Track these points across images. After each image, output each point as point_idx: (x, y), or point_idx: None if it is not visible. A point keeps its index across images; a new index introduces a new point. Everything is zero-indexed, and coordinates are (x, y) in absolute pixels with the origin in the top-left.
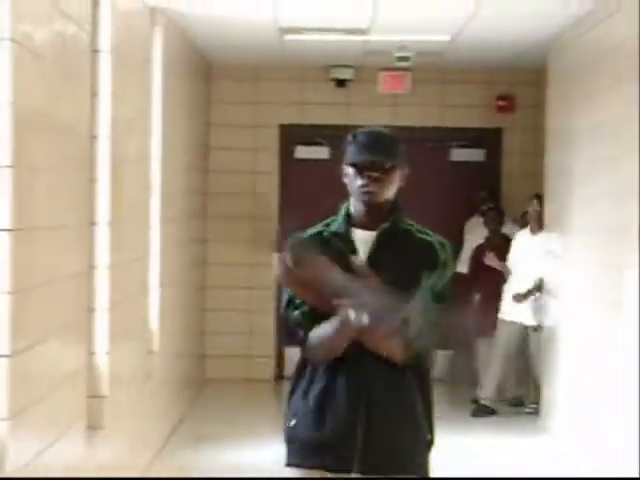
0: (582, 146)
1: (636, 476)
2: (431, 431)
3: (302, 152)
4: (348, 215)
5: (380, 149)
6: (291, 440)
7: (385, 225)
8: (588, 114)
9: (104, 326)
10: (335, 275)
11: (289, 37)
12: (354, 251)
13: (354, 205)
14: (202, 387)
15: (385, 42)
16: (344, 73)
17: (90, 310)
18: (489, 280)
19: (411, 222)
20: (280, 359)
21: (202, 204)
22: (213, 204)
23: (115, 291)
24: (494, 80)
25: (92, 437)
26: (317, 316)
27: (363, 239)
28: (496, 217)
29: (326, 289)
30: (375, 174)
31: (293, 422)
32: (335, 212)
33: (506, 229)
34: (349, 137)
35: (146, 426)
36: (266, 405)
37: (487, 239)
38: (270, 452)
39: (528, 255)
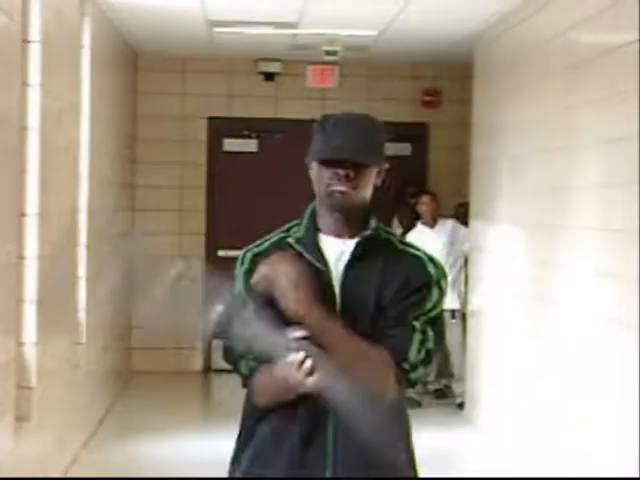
0: (507, 141)
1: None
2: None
3: (231, 145)
4: (314, 220)
5: (356, 143)
6: None
7: (366, 233)
8: (514, 109)
9: (32, 317)
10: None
11: (218, 29)
12: (324, 264)
13: (322, 208)
14: (130, 379)
15: (313, 36)
16: (272, 66)
17: (19, 301)
18: None
19: (390, 230)
20: (208, 351)
21: (130, 196)
22: (141, 196)
23: (44, 282)
24: (421, 74)
25: (20, 428)
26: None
27: (334, 250)
28: (409, 214)
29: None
30: (349, 172)
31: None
32: (267, 207)
33: (440, 225)
34: (316, 124)
35: (74, 417)
36: (194, 397)
37: (401, 235)
38: (196, 444)
39: (428, 246)
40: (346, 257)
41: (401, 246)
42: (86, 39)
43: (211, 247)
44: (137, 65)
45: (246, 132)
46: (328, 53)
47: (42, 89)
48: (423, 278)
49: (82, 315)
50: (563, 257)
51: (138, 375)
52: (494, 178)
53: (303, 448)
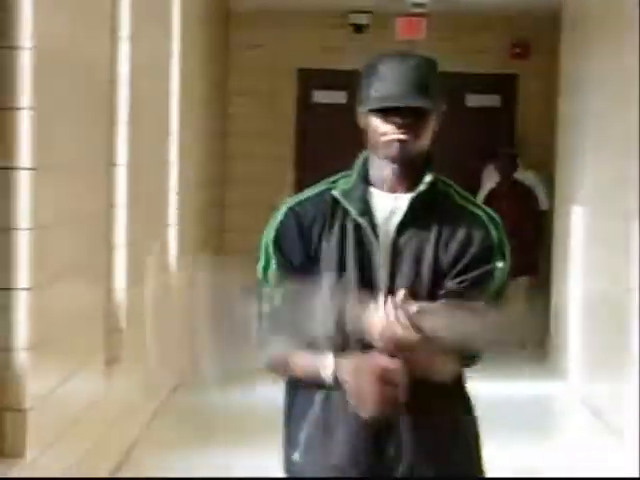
0: (593, 93)
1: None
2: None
3: (320, 97)
4: (365, 172)
5: (413, 86)
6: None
7: (422, 188)
8: (601, 62)
9: (122, 263)
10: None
11: None
12: (372, 222)
13: (375, 159)
14: None
15: None
16: (362, 18)
17: (110, 247)
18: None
19: (448, 182)
20: None
21: (221, 146)
22: (233, 145)
23: (133, 230)
24: (509, 26)
25: (110, 370)
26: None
27: (386, 206)
28: (508, 162)
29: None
30: (407, 120)
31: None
32: (349, 166)
33: (519, 175)
34: (366, 68)
35: (162, 363)
36: None
37: (498, 184)
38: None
39: None
40: (398, 216)
41: (460, 201)
42: None
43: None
44: (229, 19)
45: (336, 84)
46: (416, 5)
47: (132, 41)
48: (484, 244)
49: (173, 260)
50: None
51: None
52: (578, 130)
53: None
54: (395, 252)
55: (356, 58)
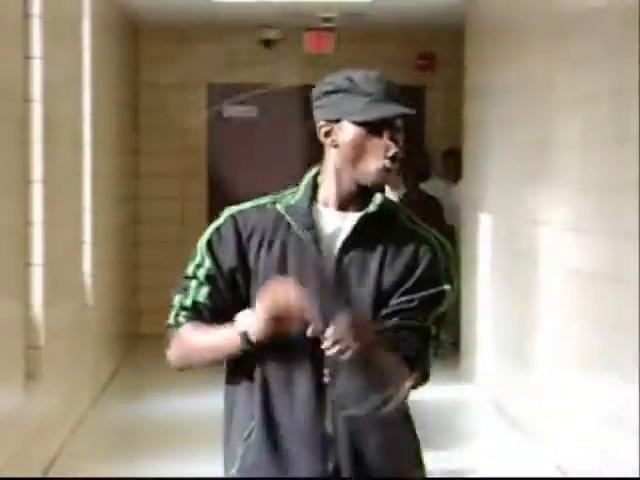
0: (497, 102)
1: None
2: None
3: (230, 111)
4: (313, 188)
5: (400, 99)
6: None
7: (371, 208)
8: (503, 71)
9: (39, 280)
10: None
11: None
12: (315, 238)
13: (337, 177)
14: (137, 341)
15: (309, 3)
16: (270, 33)
17: (26, 265)
18: None
19: (397, 204)
20: None
21: (134, 163)
22: (144, 163)
23: (50, 246)
24: (415, 38)
25: (29, 387)
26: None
27: (331, 224)
28: (414, 173)
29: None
30: (401, 135)
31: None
32: (267, 172)
33: (427, 185)
34: (343, 81)
35: (81, 377)
36: None
37: (404, 194)
38: (203, 403)
39: None
40: (344, 234)
41: (409, 223)
42: (86, 10)
43: (212, 212)
44: (138, 34)
45: (245, 98)
46: (324, 20)
47: (43, 61)
48: (431, 266)
49: (88, 278)
50: (546, 214)
51: (146, 337)
52: (483, 138)
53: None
54: (338, 269)
55: (266, 72)
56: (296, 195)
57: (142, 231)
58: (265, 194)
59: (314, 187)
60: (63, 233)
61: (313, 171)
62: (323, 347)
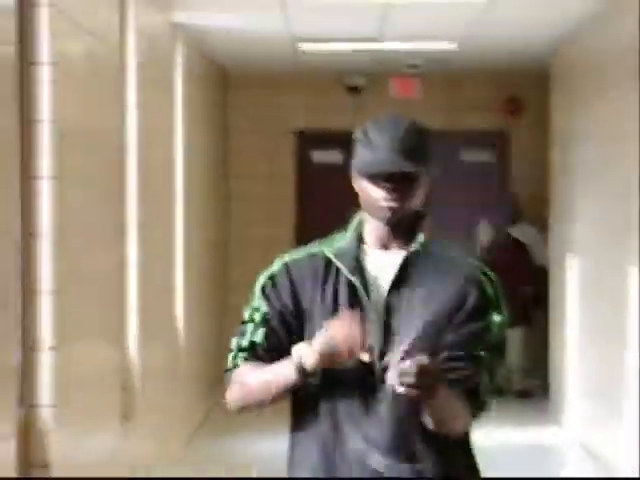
0: (583, 146)
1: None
2: None
3: (318, 156)
4: (359, 231)
5: (403, 152)
6: None
7: (415, 247)
8: (589, 116)
9: (134, 324)
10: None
11: (303, 46)
12: (363, 279)
13: (369, 220)
14: None
15: (395, 51)
16: (357, 80)
17: (122, 309)
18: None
19: (441, 240)
20: None
21: (225, 208)
22: (235, 208)
23: (143, 291)
24: (501, 83)
25: (125, 428)
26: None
27: (379, 263)
28: (502, 217)
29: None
30: (398, 185)
31: None
32: (344, 224)
33: (515, 230)
34: (358, 133)
35: (175, 419)
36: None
37: (493, 239)
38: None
39: None
40: (391, 273)
41: (455, 259)
42: (178, 62)
43: None
44: (227, 83)
45: (332, 144)
46: (410, 66)
47: (138, 111)
48: (479, 299)
49: (181, 322)
50: (635, 257)
51: None
52: (570, 183)
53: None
54: (388, 309)
55: (352, 118)
56: (344, 239)
57: (232, 275)
58: None
59: (360, 230)
60: (156, 278)
61: (359, 215)
62: (390, 380)
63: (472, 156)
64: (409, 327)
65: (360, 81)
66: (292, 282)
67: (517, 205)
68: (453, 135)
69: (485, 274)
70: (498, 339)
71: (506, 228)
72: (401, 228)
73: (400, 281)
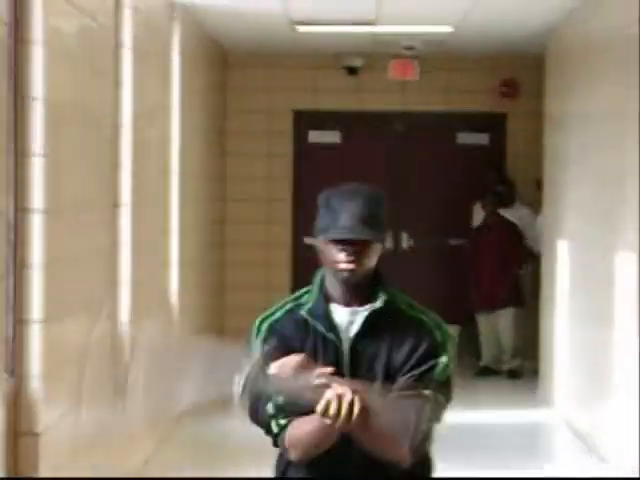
0: (576, 130)
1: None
2: None
3: (315, 137)
4: (323, 289)
5: (361, 220)
6: None
7: (375, 306)
8: (583, 99)
9: (126, 299)
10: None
11: (301, 28)
12: (336, 334)
13: (330, 278)
14: None
15: (392, 32)
16: (355, 61)
17: (114, 284)
18: (486, 260)
19: (399, 295)
20: None
21: (221, 187)
22: (231, 187)
23: (137, 267)
24: (498, 66)
25: (117, 400)
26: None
27: (344, 319)
28: (492, 199)
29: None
30: (355, 248)
31: None
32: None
33: (513, 211)
34: (321, 198)
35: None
36: None
37: (483, 220)
38: None
39: None
40: (356, 327)
41: (410, 312)
42: (175, 40)
43: (296, 236)
44: (226, 63)
45: (330, 124)
46: (407, 48)
47: (133, 90)
48: (430, 345)
49: (174, 298)
50: (623, 241)
51: None
52: (562, 167)
53: None
54: (354, 356)
55: (350, 99)
56: (311, 298)
57: (228, 253)
58: None
59: (323, 287)
60: (150, 253)
61: (320, 272)
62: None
63: (468, 138)
64: (371, 371)
65: (358, 62)
66: (284, 342)
67: (512, 187)
68: (449, 117)
69: (437, 324)
70: (445, 376)
71: (495, 209)
72: (359, 287)
73: (363, 334)
